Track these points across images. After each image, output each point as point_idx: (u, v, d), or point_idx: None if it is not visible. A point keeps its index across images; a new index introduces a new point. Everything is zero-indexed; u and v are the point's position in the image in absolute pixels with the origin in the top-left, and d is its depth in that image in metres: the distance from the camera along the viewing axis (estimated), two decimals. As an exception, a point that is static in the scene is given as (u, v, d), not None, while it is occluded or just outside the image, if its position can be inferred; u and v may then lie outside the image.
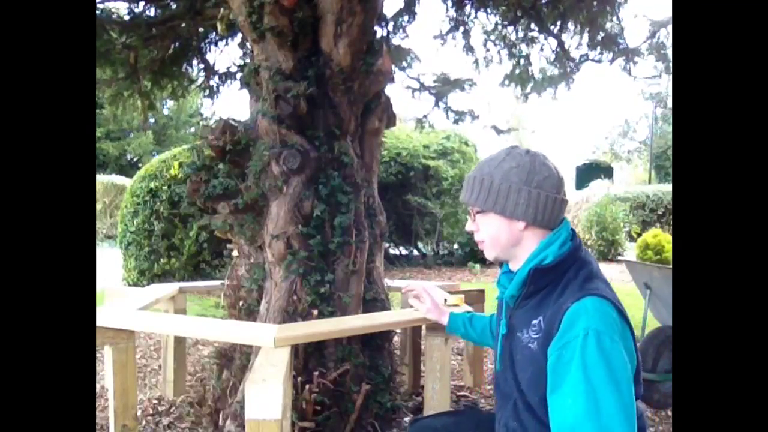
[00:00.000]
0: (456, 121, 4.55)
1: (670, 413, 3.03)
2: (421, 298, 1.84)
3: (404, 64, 4.16)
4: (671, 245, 7.68)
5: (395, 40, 3.82)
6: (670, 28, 4.24)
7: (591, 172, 20.27)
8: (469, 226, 1.32)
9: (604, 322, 1.06)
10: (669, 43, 4.31)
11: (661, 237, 8.15)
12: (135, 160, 19.83)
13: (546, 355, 1.12)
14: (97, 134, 18.84)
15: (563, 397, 1.05)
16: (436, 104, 4.45)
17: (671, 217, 12.34)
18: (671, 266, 3.24)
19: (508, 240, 1.25)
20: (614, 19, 4.09)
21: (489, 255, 1.30)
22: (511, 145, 1.29)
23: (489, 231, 1.27)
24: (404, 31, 3.59)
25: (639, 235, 9.48)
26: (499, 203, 1.22)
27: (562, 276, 1.18)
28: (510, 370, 1.25)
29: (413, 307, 1.92)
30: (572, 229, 1.26)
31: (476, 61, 4.65)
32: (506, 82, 4.78)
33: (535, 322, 1.18)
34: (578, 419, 1.00)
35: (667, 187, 14.50)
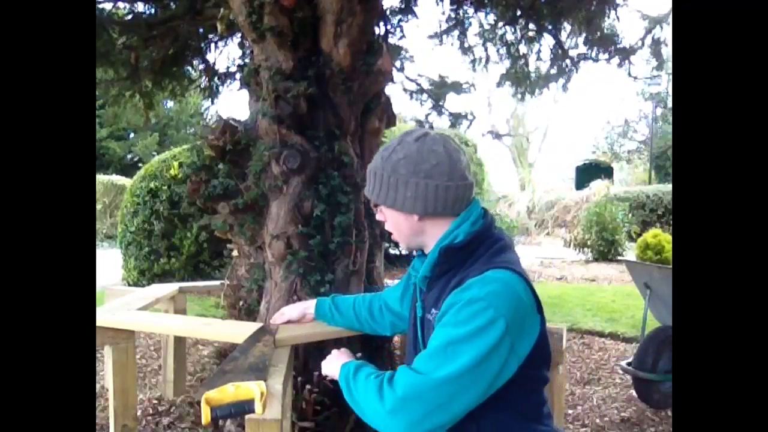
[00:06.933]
0: (453, 124, 4.53)
1: (670, 413, 3.03)
2: (287, 316, 1.80)
3: (398, 65, 4.15)
4: (671, 245, 7.68)
5: (392, 40, 3.82)
6: (665, 24, 4.24)
7: (591, 172, 20.23)
8: (379, 217, 1.28)
9: (496, 295, 1.04)
10: (664, 39, 4.31)
11: (661, 237, 8.15)
12: (136, 160, 19.77)
13: None
14: (102, 133, 18.82)
15: (429, 343, 1.07)
16: (434, 107, 4.44)
17: (671, 217, 12.34)
18: (671, 266, 3.24)
19: (410, 231, 1.22)
20: (611, 17, 4.08)
21: (401, 245, 1.28)
22: (407, 131, 1.22)
23: (391, 223, 1.25)
24: (401, 30, 3.58)
25: (639, 235, 9.47)
26: (389, 197, 1.18)
27: (473, 253, 1.15)
28: None
29: None
30: (483, 208, 1.23)
31: (473, 61, 4.64)
32: (503, 82, 4.78)
33: (442, 299, 1.16)
34: (417, 365, 1.05)
35: (667, 187, 14.52)
